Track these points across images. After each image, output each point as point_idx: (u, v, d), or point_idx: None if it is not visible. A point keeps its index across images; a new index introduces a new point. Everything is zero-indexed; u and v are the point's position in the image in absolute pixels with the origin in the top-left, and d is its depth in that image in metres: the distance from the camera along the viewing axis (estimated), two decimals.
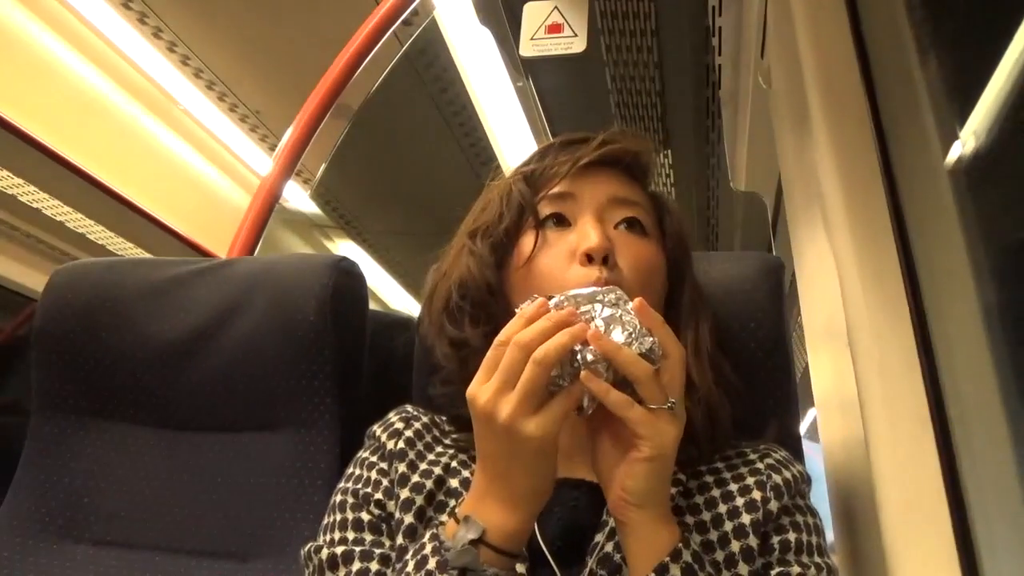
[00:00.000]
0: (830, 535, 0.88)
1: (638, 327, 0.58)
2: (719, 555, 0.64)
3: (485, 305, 0.72)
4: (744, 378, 0.76)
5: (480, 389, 0.57)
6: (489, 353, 0.58)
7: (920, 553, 0.61)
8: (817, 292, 1.03)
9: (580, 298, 0.59)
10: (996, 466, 0.64)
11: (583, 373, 0.56)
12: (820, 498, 0.81)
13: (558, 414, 0.56)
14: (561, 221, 0.72)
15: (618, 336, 0.57)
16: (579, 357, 0.56)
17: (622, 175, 0.76)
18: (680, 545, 0.57)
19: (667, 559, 0.56)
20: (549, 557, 0.63)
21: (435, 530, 0.60)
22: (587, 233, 0.68)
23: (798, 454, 0.83)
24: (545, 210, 0.73)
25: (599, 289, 0.60)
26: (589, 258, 0.67)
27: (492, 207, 0.76)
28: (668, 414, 0.56)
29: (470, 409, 0.58)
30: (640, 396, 0.56)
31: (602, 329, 0.57)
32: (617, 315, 0.58)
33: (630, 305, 0.59)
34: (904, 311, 0.70)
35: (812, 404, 1.11)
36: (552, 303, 0.59)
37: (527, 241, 0.72)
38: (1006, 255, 0.68)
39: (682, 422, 0.58)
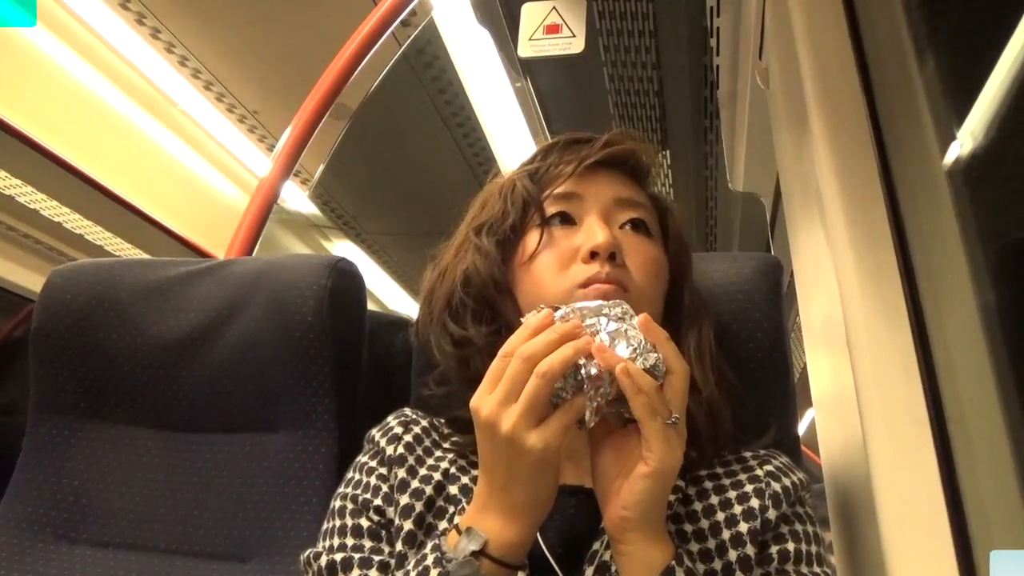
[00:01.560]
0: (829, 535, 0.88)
1: (643, 342, 0.57)
2: (717, 564, 0.64)
3: (490, 301, 0.72)
4: (742, 379, 0.76)
5: (484, 400, 0.57)
6: (493, 364, 0.58)
7: (918, 553, 0.61)
8: (815, 292, 1.03)
9: (586, 311, 0.59)
10: (994, 466, 0.64)
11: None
12: None
13: (560, 427, 0.56)
14: (567, 220, 0.72)
15: (623, 350, 0.57)
16: (583, 371, 0.56)
17: (625, 176, 0.76)
18: (673, 562, 0.57)
19: None
20: (554, 564, 0.63)
21: (437, 540, 0.60)
22: (594, 232, 0.68)
23: (796, 455, 0.83)
24: (551, 209, 0.72)
25: (605, 303, 0.60)
26: (593, 255, 0.67)
27: (494, 203, 0.75)
28: (673, 430, 0.56)
29: (473, 420, 0.58)
30: None
31: (607, 343, 0.57)
32: (622, 329, 0.58)
33: (635, 320, 0.59)
34: (902, 311, 0.70)
35: (810, 404, 1.11)
36: (558, 315, 0.59)
37: (532, 238, 0.71)
38: (1004, 255, 0.68)
39: (683, 439, 0.58)
